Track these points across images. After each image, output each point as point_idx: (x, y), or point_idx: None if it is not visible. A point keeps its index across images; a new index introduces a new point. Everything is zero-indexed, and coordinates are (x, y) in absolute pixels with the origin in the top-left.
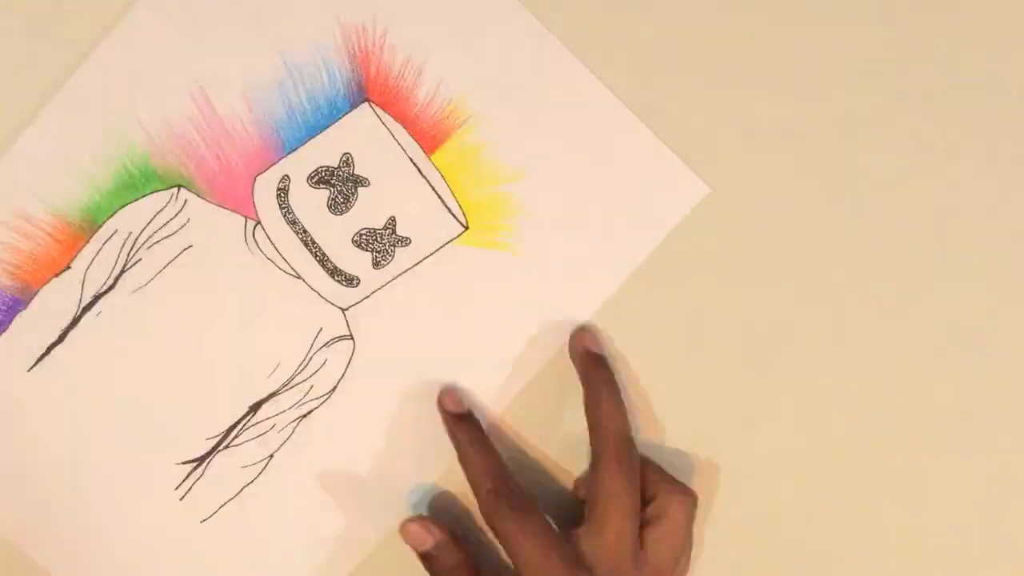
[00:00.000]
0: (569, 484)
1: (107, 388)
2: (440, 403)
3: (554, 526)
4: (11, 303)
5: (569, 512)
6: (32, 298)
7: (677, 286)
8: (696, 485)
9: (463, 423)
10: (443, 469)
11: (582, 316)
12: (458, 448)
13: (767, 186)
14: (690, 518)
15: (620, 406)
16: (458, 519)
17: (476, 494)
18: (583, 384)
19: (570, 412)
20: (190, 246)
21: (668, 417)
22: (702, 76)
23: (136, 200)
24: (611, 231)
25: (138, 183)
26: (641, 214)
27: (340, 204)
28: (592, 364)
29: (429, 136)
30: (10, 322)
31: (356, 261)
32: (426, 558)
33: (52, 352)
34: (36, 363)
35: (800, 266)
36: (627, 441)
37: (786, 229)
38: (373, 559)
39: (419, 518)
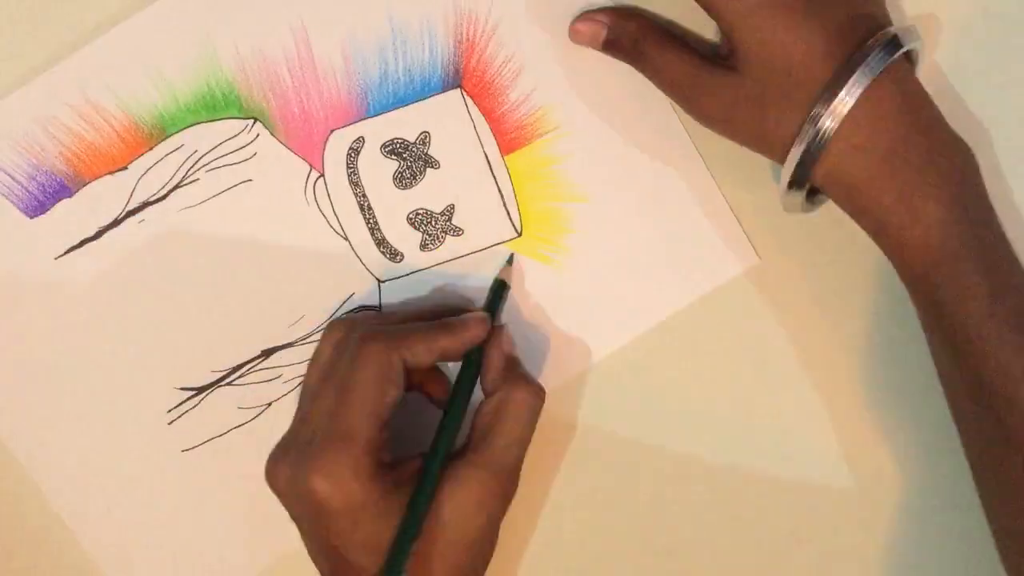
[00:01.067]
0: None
1: (126, 296)
2: None
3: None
4: (58, 188)
5: None
6: (81, 189)
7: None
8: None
9: None
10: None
11: (604, 348)
12: None
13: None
14: (532, 411)
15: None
16: None
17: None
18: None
19: (582, 423)
20: (250, 179)
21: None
22: None
23: (210, 121)
24: (655, 275)
25: (217, 105)
26: (688, 266)
27: (406, 179)
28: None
29: (510, 137)
30: (52, 206)
31: (405, 238)
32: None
33: (84, 246)
34: (65, 253)
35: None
36: None
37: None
38: None
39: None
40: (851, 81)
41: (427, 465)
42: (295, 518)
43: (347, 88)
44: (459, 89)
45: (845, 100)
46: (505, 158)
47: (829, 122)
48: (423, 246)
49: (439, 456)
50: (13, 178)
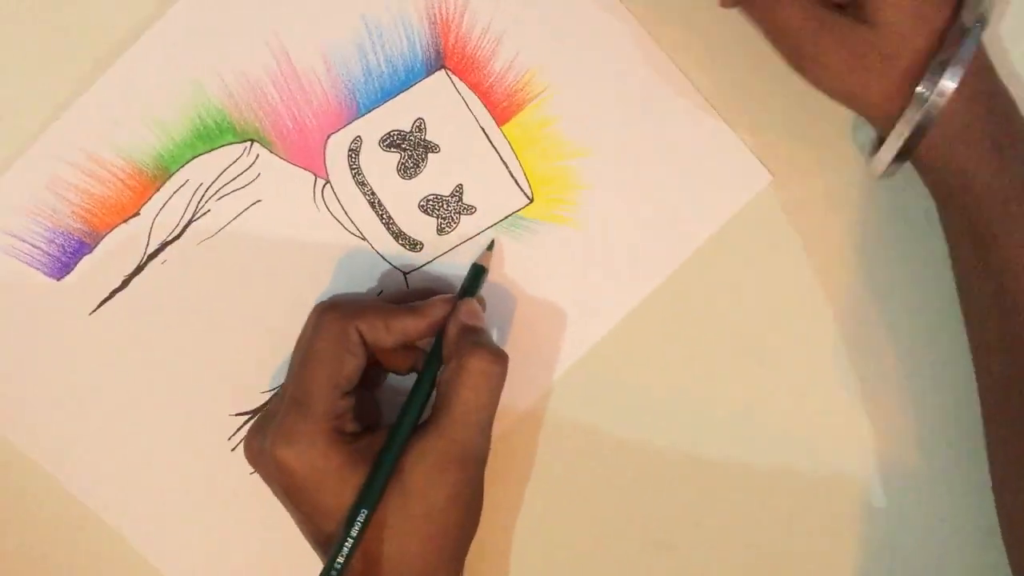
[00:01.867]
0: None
1: (166, 337)
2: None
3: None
4: (77, 246)
5: None
6: (99, 242)
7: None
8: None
9: None
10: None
11: (638, 294)
12: None
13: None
14: (487, 376)
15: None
16: None
17: None
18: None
19: (622, 386)
20: (259, 200)
21: (710, 388)
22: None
23: (209, 151)
24: (673, 212)
25: (212, 134)
26: (704, 198)
27: (410, 168)
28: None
29: (502, 107)
30: (75, 265)
31: (421, 226)
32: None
33: (115, 297)
34: (98, 307)
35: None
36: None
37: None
38: None
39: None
40: (961, 48)
41: (390, 434)
42: (272, 490)
43: (334, 92)
44: (443, 70)
45: (956, 69)
46: (502, 128)
47: (942, 92)
48: (440, 230)
49: (402, 426)
50: (33, 245)
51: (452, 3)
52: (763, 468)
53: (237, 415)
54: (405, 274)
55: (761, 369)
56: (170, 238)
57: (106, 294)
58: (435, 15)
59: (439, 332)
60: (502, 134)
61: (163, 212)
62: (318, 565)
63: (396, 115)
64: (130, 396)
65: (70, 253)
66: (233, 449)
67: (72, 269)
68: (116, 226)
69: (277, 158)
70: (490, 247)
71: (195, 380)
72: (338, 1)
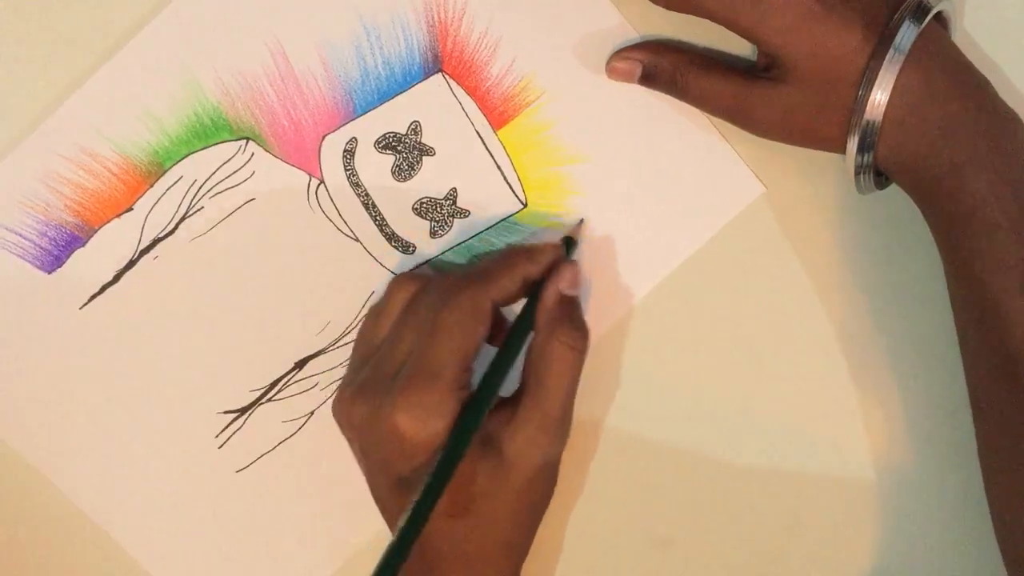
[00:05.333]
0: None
1: (156, 333)
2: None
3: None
4: (69, 239)
5: None
6: (91, 236)
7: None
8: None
9: None
10: None
11: (628, 301)
12: None
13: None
14: (568, 364)
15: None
16: None
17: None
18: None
19: (621, 385)
20: (253, 199)
21: (709, 387)
22: None
23: (204, 148)
24: (666, 221)
25: (208, 132)
26: (697, 207)
27: (404, 171)
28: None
29: (498, 112)
30: (67, 258)
31: (414, 229)
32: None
33: (105, 292)
34: (88, 301)
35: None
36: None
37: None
38: None
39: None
40: (887, 61)
41: (474, 399)
42: (366, 454)
43: (331, 92)
44: (440, 73)
45: (885, 81)
46: (497, 133)
47: (876, 107)
48: (433, 233)
49: (484, 395)
50: (24, 237)
51: (451, 7)
52: (762, 467)
53: (225, 413)
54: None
55: (759, 368)
56: (163, 234)
57: (97, 289)
58: (433, 18)
59: (532, 295)
60: (497, 139)
61: (156, 208)
62: (306, 564)
63: (392, 117)
64: (118, 391)
65: (62, 246)
66: (220, 447)
67: (63, 263)
68: (109, 220)
69: (272, 157)
70: (581, 223)
71: (184, 377)
72: (336, 2)
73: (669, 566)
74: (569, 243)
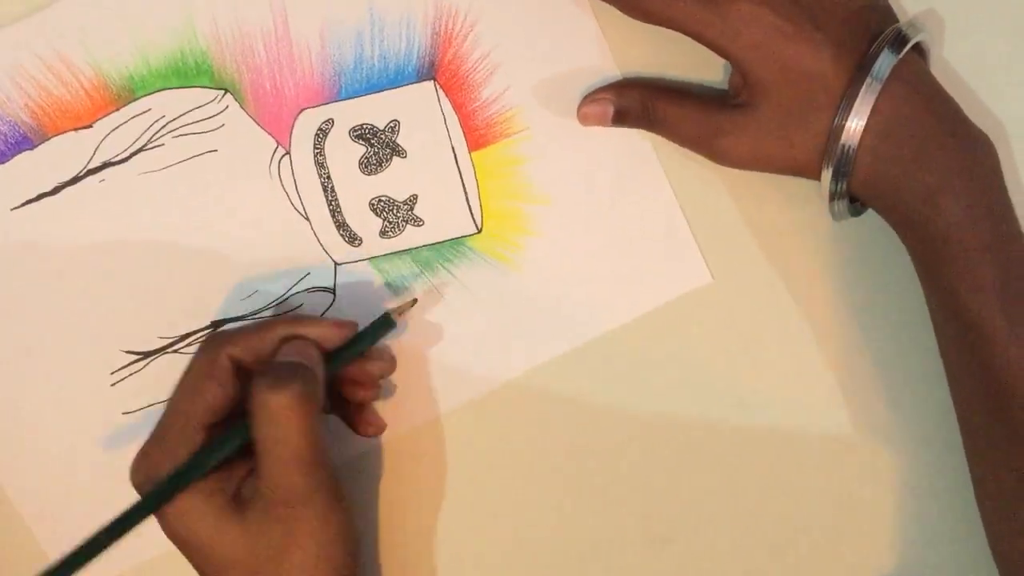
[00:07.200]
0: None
1: (80, 254)
2: None
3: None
4: (20, 139)
5: None
6: (43, 143)
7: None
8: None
9: None
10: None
11: (548, 353)
12: None
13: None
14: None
15: None
16: None
17: None
18: None
19: (620, 383)
20: (215, 150)
21: (708, 386)
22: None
23: (181, 88)
24: (609, 284)
25: (189, 73)
26: (641, 278)
27: (372, 165)
28: None
29: (478, 134)
30: (12, 156)
31: (365, 223)
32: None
33: (41, 200)
34: (21, 205)
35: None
36: None
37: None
38: None
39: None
40: (864, 88)
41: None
42: None
43: (321, 69)
44: (432, 81)
45: (862, 109)
46: (472, 154)
47: (852, 134)
48: (383, 233)
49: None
50: None
51: (460, 21)
52: (761, 466)
53: (128, 352)
54: (336, 264)
55: (757, 368)
56: (115, 159)
57: (34, 195)
58: (440, 27)
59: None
60: (470, 159)
61: (116, 132)
62: None
63: (374, 110)
64: (27, 300)
65: (10, 143)
66: (113, 384)
67: (7, 159)
68: (64, 132)
69: (245, 115)
70: (413, 302)
71: (96, 305)
72: None
73: (668, 565)
74: (386, 320)
